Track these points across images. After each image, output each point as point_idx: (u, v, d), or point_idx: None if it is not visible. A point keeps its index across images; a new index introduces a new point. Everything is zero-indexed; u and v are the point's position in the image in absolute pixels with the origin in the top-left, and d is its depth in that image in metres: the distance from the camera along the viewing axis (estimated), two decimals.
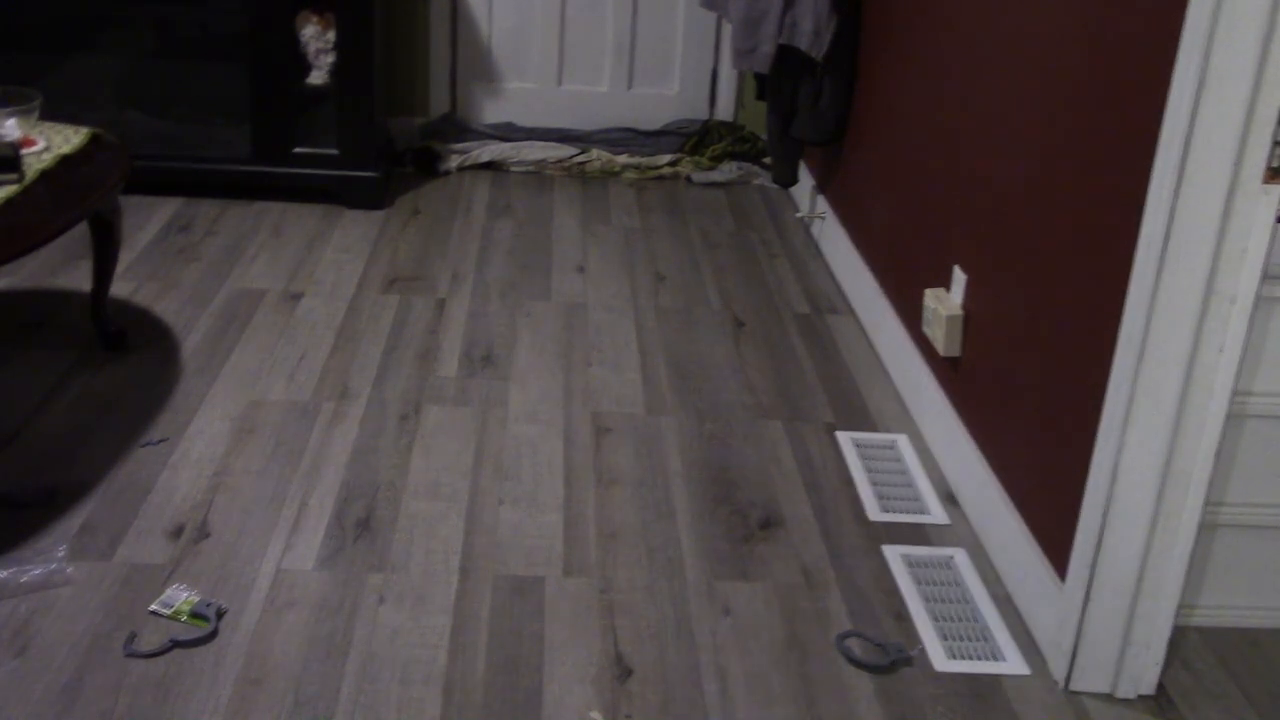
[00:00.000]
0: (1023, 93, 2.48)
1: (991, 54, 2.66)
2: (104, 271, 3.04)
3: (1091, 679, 2.14)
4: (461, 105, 4.70)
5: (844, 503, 2.65)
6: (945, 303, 2.78)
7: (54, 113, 3.11)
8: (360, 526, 2.45)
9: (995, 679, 2.17)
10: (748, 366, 3.21)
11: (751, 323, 3.47)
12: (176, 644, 2.10)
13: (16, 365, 2.97)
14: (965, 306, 2.74)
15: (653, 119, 4.91)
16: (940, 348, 2.77)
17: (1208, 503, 2.08)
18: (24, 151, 2.82)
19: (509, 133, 4.61)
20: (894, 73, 3.37)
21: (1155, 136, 1.92)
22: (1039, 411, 2.34)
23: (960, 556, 2.49)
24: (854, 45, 3.73)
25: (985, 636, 2.27)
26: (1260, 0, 1.75)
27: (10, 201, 2.66)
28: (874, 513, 2.61)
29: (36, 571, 2.23)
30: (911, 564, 2.45)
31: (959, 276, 2.77)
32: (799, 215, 4.26)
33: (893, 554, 2.48)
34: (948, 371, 2.82)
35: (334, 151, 3.98)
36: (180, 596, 2.21)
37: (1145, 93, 1.98)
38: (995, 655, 2.22)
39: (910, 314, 3.11)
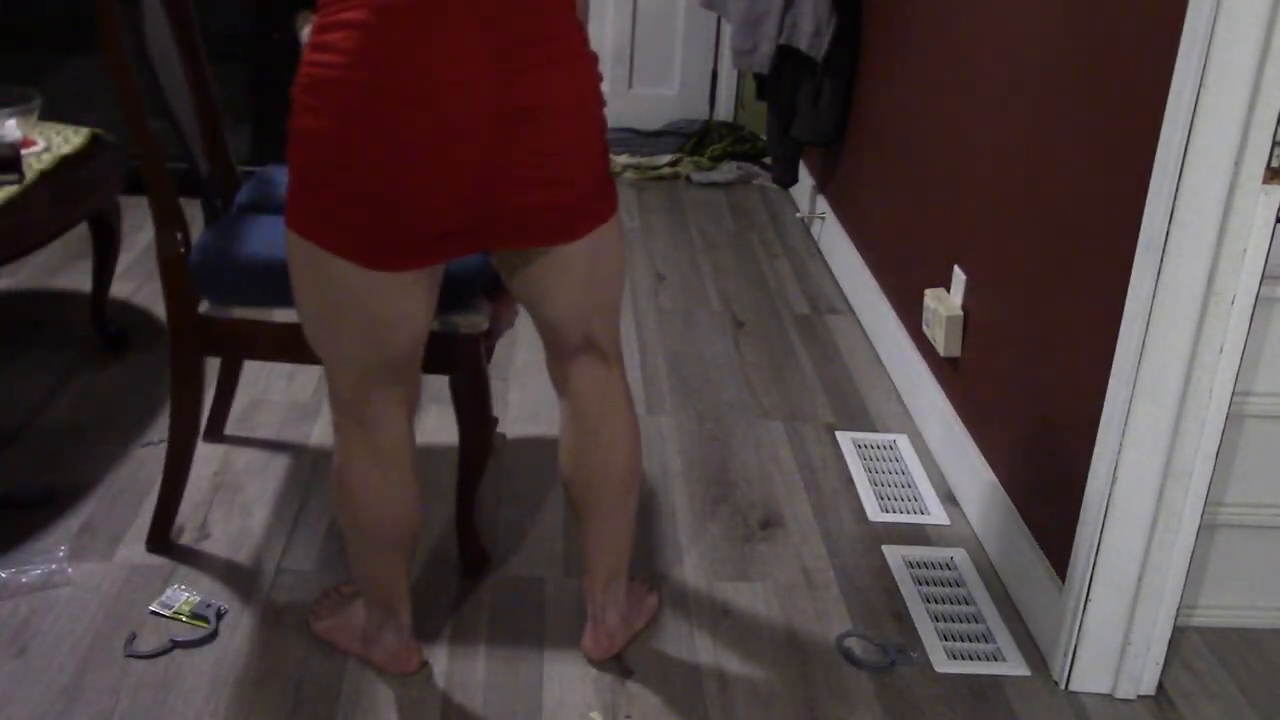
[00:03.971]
0: (1022, 93, 2.48)
1: (991, 54, 2.66)
2: (104, 272, 3.04)
3: (1091, 679, 2.14)
4: None
5: (844, 503, 2.65)
6: (945, 303, 2.78)
7: (54, 113, 3.11)
8: None
9: (995, 679, 2.17)
10: (748, 366, 3.21)
11: (751, 323, 3.47)
12: (176, 644, 2.10)
13: (16, 365, 2.97)
14: (965, 306, 2.74)
15: (653, 119, 4.92)
16: (940, 348, 2.77)
17: (1208, 503, 2.08)
18: (24, 151, 2.83)
19: None
20: (894, 73, 3.37)
21: (1155, 136, 1.92)
22: (1039, 411, 2.34)
23: (960, 556, 2.49)
24: (854, 45, 3.73)
25: (985, 637, 2.27)
26: (1260, 0, 1.75)
27: (10, 201, 2.66)
28: (874, 513, 2.62)
29: (36, 571, 2.23)
30: (911, 564, 2.45)
31: (959, 276, 2.77)
32: (799, 215, 4.26)
33: (893, 554, 2.48)
34: (948, 371, 2.82)
35: None
36: (180, 596, 2.21)
37: (1145, 92, 1.98)
38: (995, 655, 2.22)
39: (910, 314, 3.11)
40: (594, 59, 1.66)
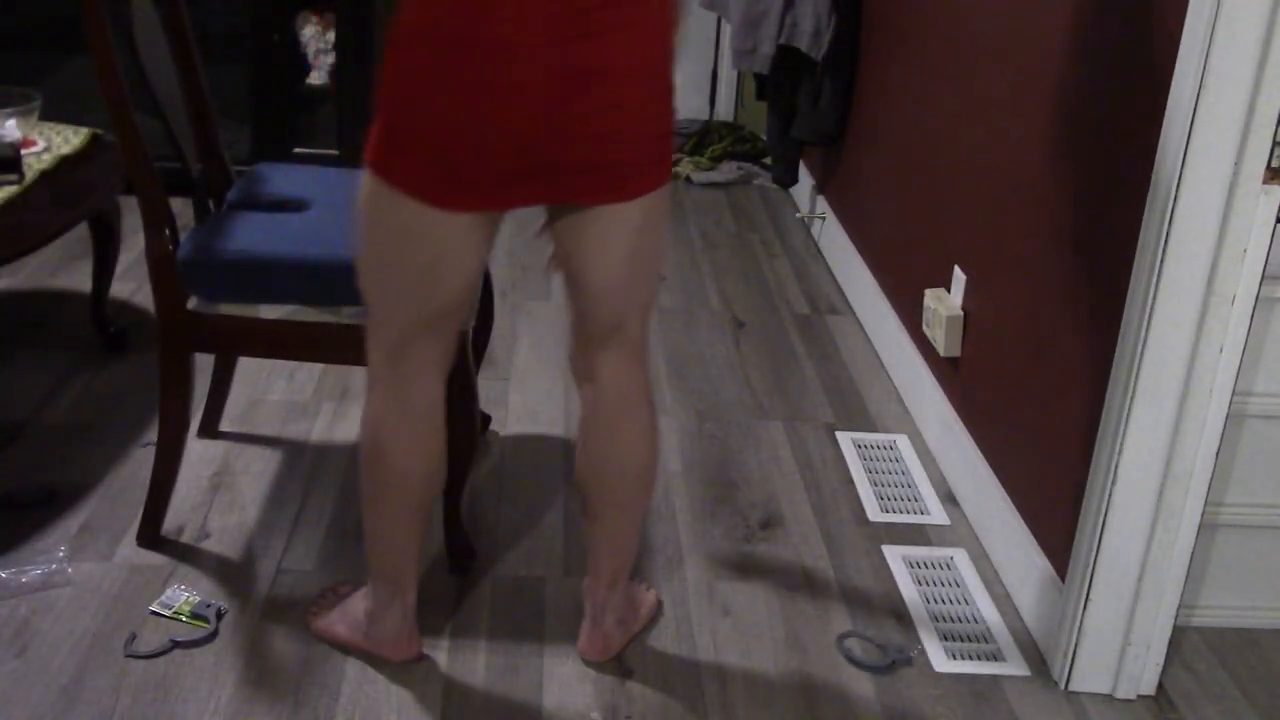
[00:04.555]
0: (1023, 93, 2.48)
1: (991, 54, 2.66)
2: (104, 272, 3.04)
3: (1091, 679, 2.14)
4: None
5: (844, 503, 2.65)
6: (945, 303, 2.78)
7: (54, 113, 3.11)
8: (360, 527, 2.45)
9: (995, 679, 2.17)
10: (748, 366, 3.21)
11: (751, 323, 3.47)
12: (176, 644, 2.10)
13: (17, 365, 2.97)
14: (965, 306, 2.74)
15: None
16: (940, 348, 2.77)
17: (1208, 503, 2.08)
18: (24, 151, 2.83)
19: None
20: (894, 73, 3.37)
21: (1155, 136, 1.92)
22: (1039, 411, 2.34)
23: (960, 556, 2.49)
24: (854, 45, 3.73)
25: (985, 637, 2.27)
26: (1260, 0, 1.75)
27: (10, 201, 2.66)
28: (874, 513, 2.62)
29: (36, 571, 2.23)
30: (911, 564, 2.45)
31: (959, 276, 2.77)
32: (799, 215, 4.26)
33: (893, 554, 2.48)
34: (948, 371, 2.82)
35: (334, 152, 3.98)
36: (180, 596, 2.21)
37: (1145, 92, 1.98)
38: (995, 655, 2.22)
39: (910, 314, 3.12)
40: (667, 24, 1.69)
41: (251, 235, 2.22)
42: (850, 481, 2.73)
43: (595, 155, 1.69)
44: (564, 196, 1.75)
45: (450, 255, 1.76)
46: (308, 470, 2.62)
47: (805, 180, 4.30)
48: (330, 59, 3.97)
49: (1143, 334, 1.93)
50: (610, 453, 1.97)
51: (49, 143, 2.95)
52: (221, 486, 2.55)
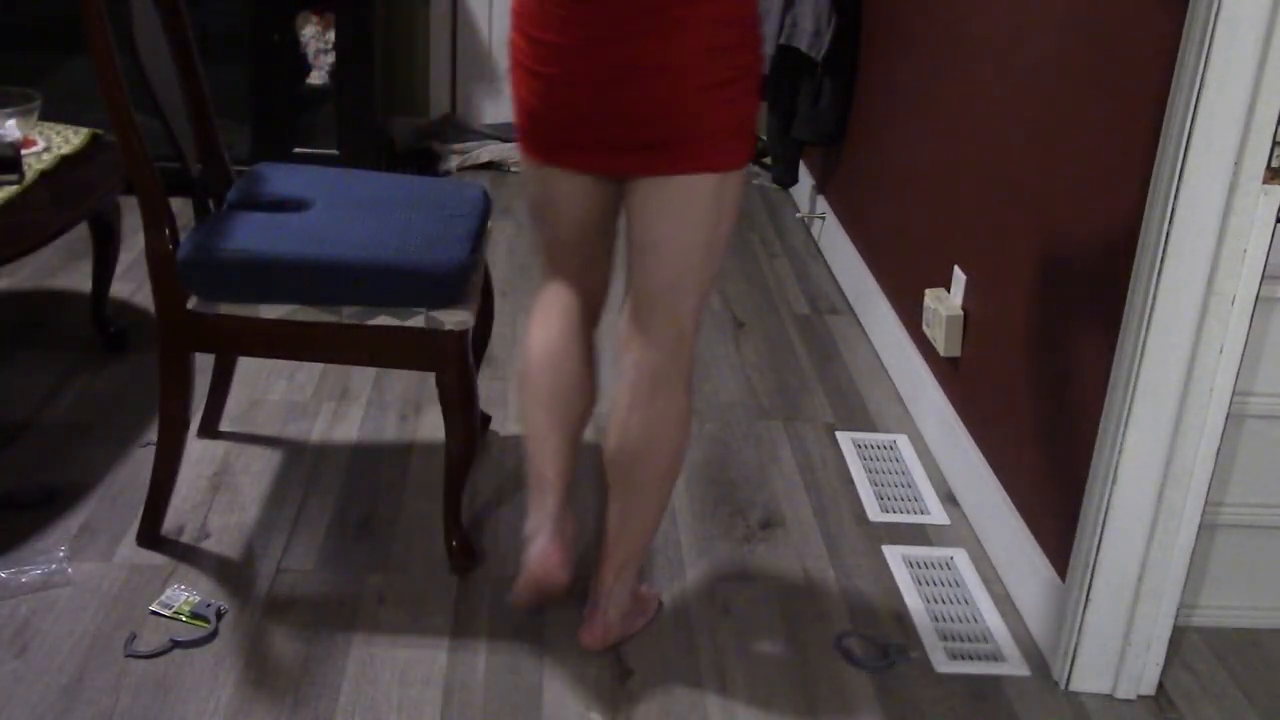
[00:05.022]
0: (1023, 92, 2.48)
1: (991, 54, 2.66)
2: (104, 272, 3.04)
3: (1091, 679, 2.14)
4: (461, 105, 4.70)
5: (844, 503, 2.65)
6: (945, 303, 2.78)
7: (54, 113, 3.11)
8: (360, 527, 2.45)
9: (995, 679, 2.17)
10: (748, 366, 3.21)
11: (751, 323, 3.47)
12: (176, 644, 2.10)
13: (16, 365, 2.97)
14: (965, 306, 2.74)
15: None
16: (940, 348, 2.77)
17: (1208, 503, 2.08)
18: (24, 152, 2.83)
19: (509, 133, 4.61)
20: (894, 73, 3.37)
21: (1155, 136, 1.92)
22: (1039, 411, 2.34)
23: (960, 556, 2.49)
24: (854, 45, 3.73)
25: (985, 637, 2.27)
26: (1260, 0, 1.75)
27: (10, 201, 2.66)
28: (874, 513, 2.61)
29: (36, 571, 2.23)
30: (911, 564, 2.45)
31: (959, 276, 2.77)
32: (799, 215, 4.26)
33: (893, 554, 2.48)
34: (948, 371, 2.82)
35: (334, 151, 3.98)
36: (180, 596, 2.21)
37: (1145, 92, 1.98)
38: (995, 655, 2.22)
39: (910, 314, 3.11)
40: (717, 23, 1.83)
41: (251, 235, 2.22)
42: (850, 481, 2.73)
43: (637, 135, 1.88)
44: (619, 168, 1.94)
45: (555, 198, 2.03)
46: (308, 470, 2.62)
47: (805, 180, 4.30)
48: (330, 59, 3.97)
49: (1143, 334, 1.93)
50: (636, 429, 2.02)
51: (49, 143, 2.95)
52: (221, 486, 2.55)
